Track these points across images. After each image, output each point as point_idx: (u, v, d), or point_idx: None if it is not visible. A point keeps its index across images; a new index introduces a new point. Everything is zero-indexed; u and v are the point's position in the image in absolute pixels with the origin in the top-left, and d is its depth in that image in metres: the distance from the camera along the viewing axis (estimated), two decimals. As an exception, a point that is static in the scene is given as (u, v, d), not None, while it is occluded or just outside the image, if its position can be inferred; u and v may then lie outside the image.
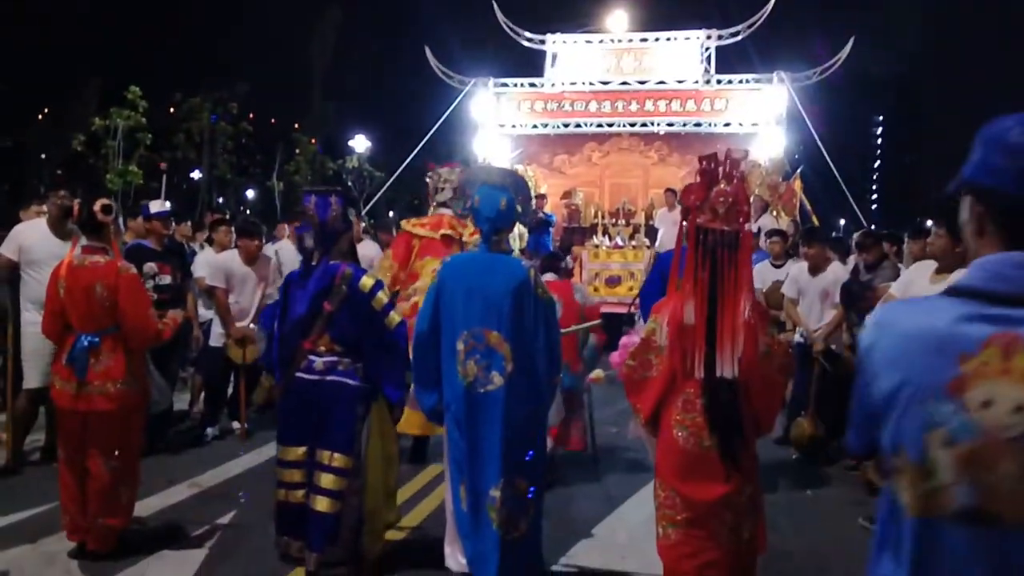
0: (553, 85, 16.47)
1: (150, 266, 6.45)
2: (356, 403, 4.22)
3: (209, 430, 7.15)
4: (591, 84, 16.40)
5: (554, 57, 16.57)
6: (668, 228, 13.26)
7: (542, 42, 16.71)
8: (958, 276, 4.60)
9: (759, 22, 16.31)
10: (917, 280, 4.91)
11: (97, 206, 4.54)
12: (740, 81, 16.15)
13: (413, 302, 5.69)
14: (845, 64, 16.30)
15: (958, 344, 1.41)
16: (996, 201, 1.48)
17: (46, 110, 37.27)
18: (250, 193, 47.84)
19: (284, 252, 8.63)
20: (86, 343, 4.40)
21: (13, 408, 6.02)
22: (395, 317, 4.26)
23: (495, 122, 16.59)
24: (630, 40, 16.74)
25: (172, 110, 37.12)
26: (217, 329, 7.23)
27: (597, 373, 5.75)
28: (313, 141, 46.00)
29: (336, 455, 4.17)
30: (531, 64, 17.50)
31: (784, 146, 15.67)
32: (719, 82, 16.13)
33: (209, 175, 40.06)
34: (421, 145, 18.04)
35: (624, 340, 3.83)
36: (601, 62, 16.43)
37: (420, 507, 5.43)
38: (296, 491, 4.27)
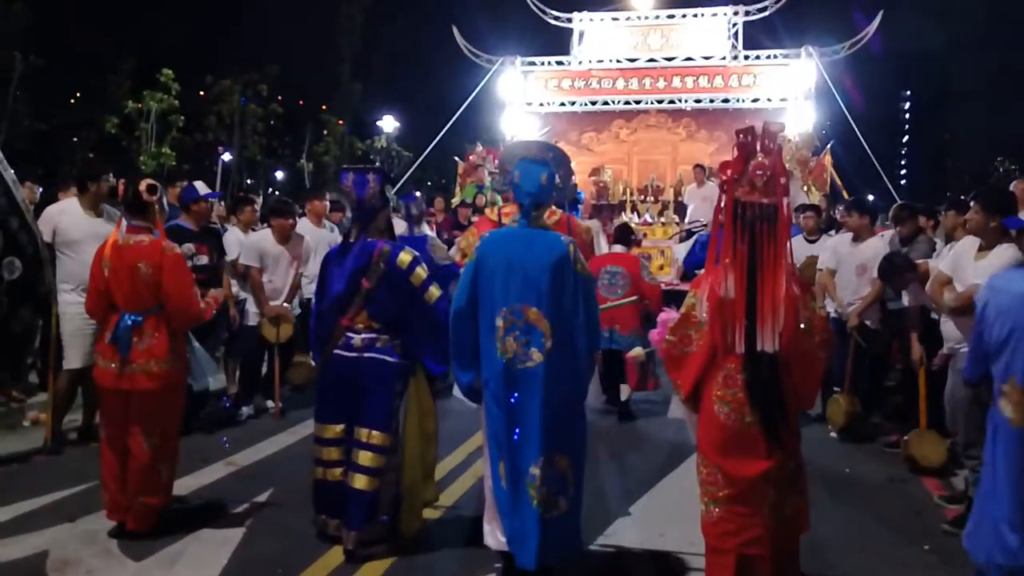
0: (580, 63, 16.40)
1: (188, 247, 6.46)
2: (394, 380, 4.24)
3: (244, 409, 7.20)
4: (618, 62, 16.30)
5: (581, 35, 16.49)
6: (697, 204, 13.18)
7: (569, 20, 16.64)
8: (1003, 251, 4.56)
9: (786, -3, 16.07)
10: (964, 255, 4.94)
11: (142, 186, 4.55)
12: (768, 57, 15.98)
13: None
14: (874, 38, 16.05)
15: None
16: None
17: (79, 94, 37.54)
18: (279, 174, 48.01)
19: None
20: (130, 322, 4.43)
21: (55, 388, 6.06)
22: (434, 292, 4.27)
23: (522, 100, 16.58)
24: (656, 17, 16.63)
25: (202, 93, 37.20)
26: (251, 308, 7.28)
27: (637, 350, 5.71)
28: (341, 122, 46.02)
29: (374, 432, 4.19)
30: (558, 42, 17.47)
31: (813, 121, 15.48)
32: (747, 58, 15.95)
33: (239, 156, 40.21)
34: (449, 124, 18.04)
35: (663, 316, 3.79)
36: (628, 39, 16.34)
37: (457, 484, 5.44)
38: (334, 469, 4.30)
